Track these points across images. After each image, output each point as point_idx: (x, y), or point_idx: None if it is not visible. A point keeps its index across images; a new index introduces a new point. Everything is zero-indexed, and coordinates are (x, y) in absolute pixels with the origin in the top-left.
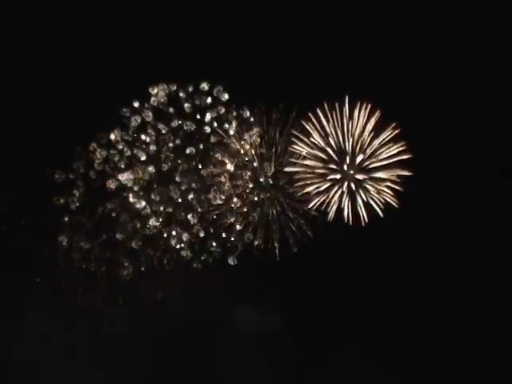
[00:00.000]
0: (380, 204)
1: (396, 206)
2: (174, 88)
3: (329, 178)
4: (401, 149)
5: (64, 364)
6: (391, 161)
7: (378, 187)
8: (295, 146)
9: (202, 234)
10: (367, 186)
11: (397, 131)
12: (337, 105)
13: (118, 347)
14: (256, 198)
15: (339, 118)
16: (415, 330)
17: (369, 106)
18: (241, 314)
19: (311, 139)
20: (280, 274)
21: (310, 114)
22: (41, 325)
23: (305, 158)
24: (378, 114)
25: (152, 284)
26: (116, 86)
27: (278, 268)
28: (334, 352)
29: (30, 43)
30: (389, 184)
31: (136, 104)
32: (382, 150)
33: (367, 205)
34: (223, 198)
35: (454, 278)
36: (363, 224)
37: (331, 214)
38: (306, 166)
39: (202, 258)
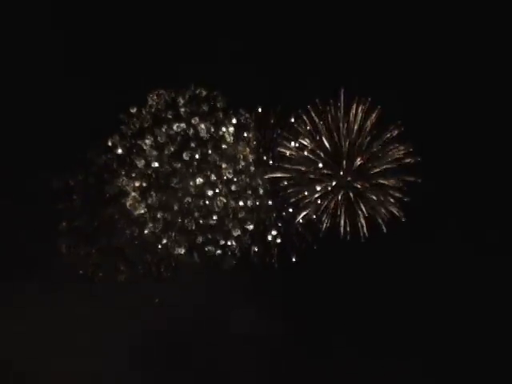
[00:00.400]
0: (383, 217)
1: (401, 218)
2: (172, 95)
3: (322, 185)
4: (405, 151)
5: (64, 364)
6: (395, 165)
7: (381, 196)
8: (285, 150)
9: (200, 239)
10: (367, 195)
11: (397, 131)
12: (331, 102)
13: (116, 348)
14: (251, 204)
15: (334, 116)
16: (414, 333)
17: (367, 102)
18: (238, 317)
19: (302, 141)
20: (278, 276)
21: (301, 113)
22: (40, 326)
23: (297, 161)
24: (377, 111)
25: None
26: (114, 92)
27: (276, 271)
28: (331, 353)
29: (29, 50)
30: (393, 192)
31: (134, 110)
32: (384, 152)
33: (368, 217)
34: (220, 203)
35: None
36: (363, 239)
37: (325, 225)
38: (298, 170)
39: (199, 261)
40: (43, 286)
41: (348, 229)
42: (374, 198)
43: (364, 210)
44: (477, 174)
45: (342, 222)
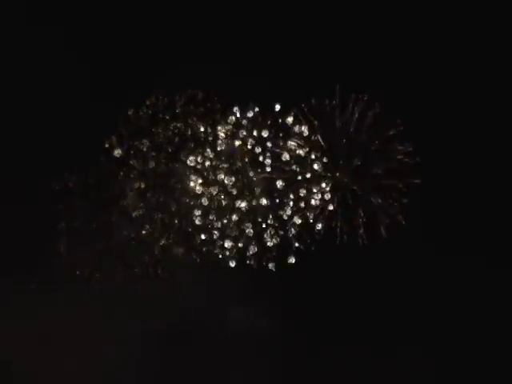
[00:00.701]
0: (382, 219)
1: (401, 220)
2: (170, 95)
3: (318, 186)
4: (405, 151)
5: (62, 365)
6: (394, 166)
7: (379, 198)
8: (281, 150)
9: (198, 240)
10: (365, 197)
11: (396, 130)
12: (327, 101)
13: (114, 347)
14: (248, 204)
15: (330, 115)
16: (414, 333)
17: (365, 100)
18: (236, 317)
19: (298, 141)
20: (275, 277)
21: (297, 113)
22: (39, 326)
23: (293, 162)
24: (375, 109)
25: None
26: (112, 92)
27: (274, 272)
28: (330, 354)
29: (28, 50)
30: (391, 194)
31: (131, 111)
32: (383, 152)
33: (366, 219)
34: (217, 203)
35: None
36: (360, 242)
37: (321, 227)
38: (294, 171)
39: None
40: (42, 286)
41: (345, 231)
42: (372, 199)
43: (362, 212)
44: (479, 174)
45: (339, 224)
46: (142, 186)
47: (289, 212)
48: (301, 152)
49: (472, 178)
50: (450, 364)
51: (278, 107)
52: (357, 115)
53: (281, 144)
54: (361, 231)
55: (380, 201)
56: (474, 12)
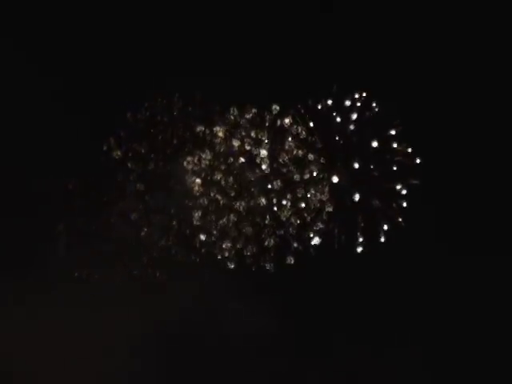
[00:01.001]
0: (381, 223)
1: (401, 223)
2: (169, 97)
3: (316, 188)
4: (404, 152)
5: (62, 365)
6: (393, 168)
7: (377, 201)
8: (278, 151)
9: (197, 241)
10: (364, 200)
11: (395, 131)
12: (325, 101)
13: (114, 347)
14: (246, 205)
15: (328, 116)
16: (414, 334)
17: (363, 101)
18: (235, 318)
19: (295, 142)
20: (274, 278)
21: (294, 114)
22: (39, 326)
23: (291, 164)
24: (374, 110)
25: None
26: (111, 94)
27: (273, 273)
28: (331, 354)
29: (27, 54)
30: (391, 197)
31: (129, 114)
32: (381, 154)
33: (365, 223)
34: (216, 204)
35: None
36: (359, 246)
37: (320, 228)
38: (292, 172)
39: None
40: (42, 286)
41: (343, 233)
42: (371, 201)
43: (360, 214)
44: (479, 174)
45: (336, 228)
46: (141, 187)
47: (287, 213)
48: (298, 153)
49: (472, 179)
50: (449, 364)
51: (275, 108)
52: (355, 116)
53: (278, 145)
54: (359, 233)
55: (379, 203)
56: (472, 12)
